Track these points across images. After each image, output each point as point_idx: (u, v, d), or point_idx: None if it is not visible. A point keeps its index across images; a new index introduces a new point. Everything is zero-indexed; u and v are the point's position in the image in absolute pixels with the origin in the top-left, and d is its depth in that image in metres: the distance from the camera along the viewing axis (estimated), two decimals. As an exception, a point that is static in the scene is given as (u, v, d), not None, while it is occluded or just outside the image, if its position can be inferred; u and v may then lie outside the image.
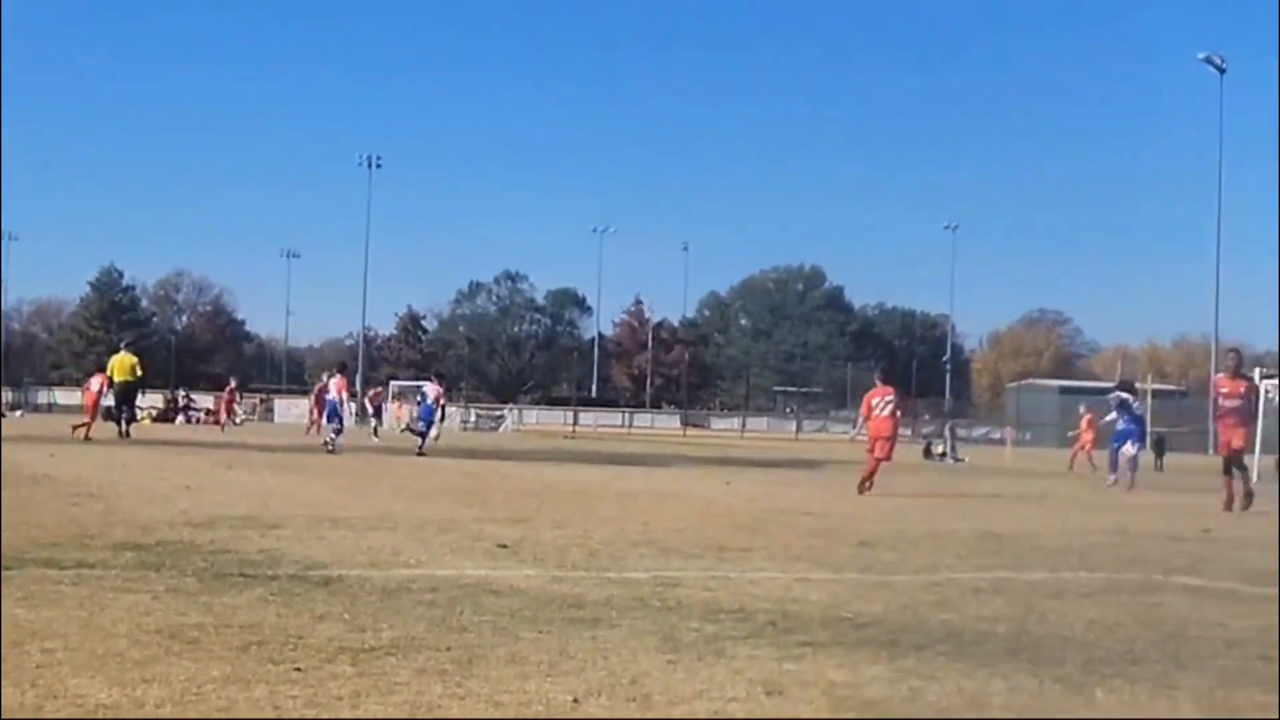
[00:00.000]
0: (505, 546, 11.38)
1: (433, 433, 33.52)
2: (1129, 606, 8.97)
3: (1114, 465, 29.63)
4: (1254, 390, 22.34)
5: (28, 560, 9.30)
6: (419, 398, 38.70)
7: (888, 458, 21.91)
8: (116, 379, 35.21)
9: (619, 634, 7.28)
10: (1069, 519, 17.19)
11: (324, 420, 36.47)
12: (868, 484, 21.37)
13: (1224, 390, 20.89)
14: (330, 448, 31.62)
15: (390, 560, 10.22)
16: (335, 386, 35.00)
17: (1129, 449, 29.34)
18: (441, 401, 35.16)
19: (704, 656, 6.74)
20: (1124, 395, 32.14)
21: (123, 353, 36.21)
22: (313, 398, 48.22)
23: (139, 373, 35.85)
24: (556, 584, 9.18)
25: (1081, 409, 41.75)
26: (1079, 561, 11.84)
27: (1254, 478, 34.97)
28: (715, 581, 9.52)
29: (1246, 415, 21.12)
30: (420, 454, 31.16)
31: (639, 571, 10.04)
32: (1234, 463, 20.34)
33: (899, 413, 23.35)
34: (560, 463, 31.14)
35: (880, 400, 22.43)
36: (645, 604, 8.36)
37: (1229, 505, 19.84)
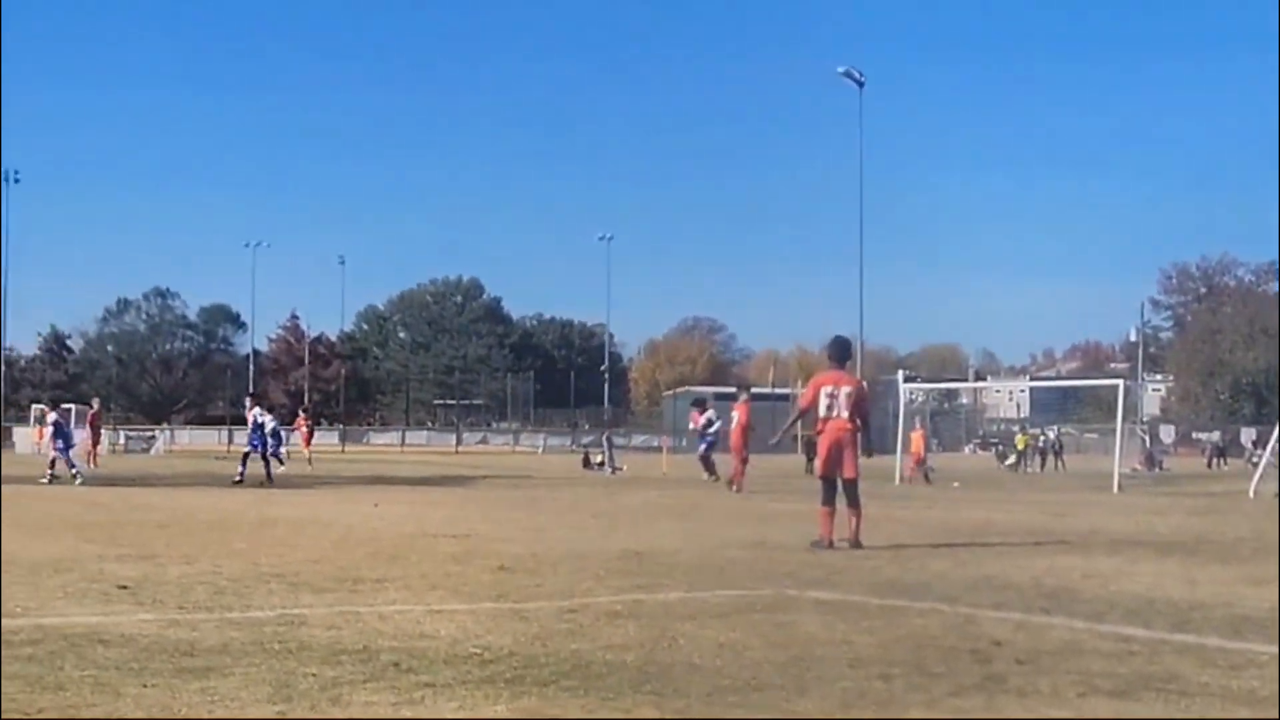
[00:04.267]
0: (125, 587, 10.78)
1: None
2: (759, 626, 8.97)
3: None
4: (863, 392, 15.91)
5: None
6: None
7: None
8: None
9: (231, 684, 6.89)
10: (711, 533, 17.24)
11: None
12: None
13: (847, 390, 15.29)
14: None
15: (-10, 608, 9.47)
16: None
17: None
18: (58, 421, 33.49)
19: (318, 705, 6.42)
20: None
21: None
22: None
23: None
24: (173, 629, 8.66)
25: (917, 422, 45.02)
26: (715, 579, 11.87)
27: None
28: (342, 618, 9.15)
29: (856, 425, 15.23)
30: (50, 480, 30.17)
31: (264, 610, 9.61)
32: (846, 487, 15.01)
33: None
34: (203, 488, 30.04)
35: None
36: (264, 647, 7.96)
37: (831, 541, 14.65)
